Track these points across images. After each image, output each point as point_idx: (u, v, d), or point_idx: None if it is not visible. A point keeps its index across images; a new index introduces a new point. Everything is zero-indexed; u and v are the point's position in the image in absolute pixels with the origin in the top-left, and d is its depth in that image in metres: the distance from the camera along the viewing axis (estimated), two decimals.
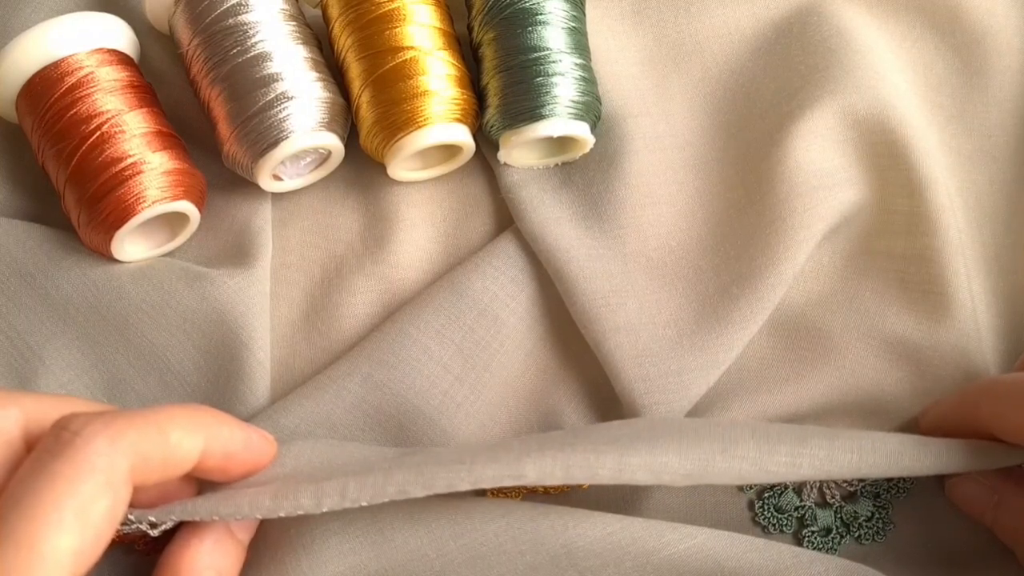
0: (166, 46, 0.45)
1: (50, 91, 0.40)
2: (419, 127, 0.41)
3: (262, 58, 0.41)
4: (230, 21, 0.41)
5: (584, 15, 0.44)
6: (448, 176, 0.45)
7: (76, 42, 0.41)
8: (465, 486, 0.31)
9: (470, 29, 0.44)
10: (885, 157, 0.43)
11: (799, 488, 0.40)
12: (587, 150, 0.44)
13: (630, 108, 0.46)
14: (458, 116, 0.42)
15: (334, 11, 0.43)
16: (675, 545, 0.34)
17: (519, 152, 0.44)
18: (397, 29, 0.42)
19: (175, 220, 0.42)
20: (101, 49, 0.41)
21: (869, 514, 0.39)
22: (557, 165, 0.45)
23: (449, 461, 0.32)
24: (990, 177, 0.45)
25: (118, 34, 0.42)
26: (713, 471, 0.32)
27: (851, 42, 0.45)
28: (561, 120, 0.42)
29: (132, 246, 0.42)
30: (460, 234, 0.44)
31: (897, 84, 0.45)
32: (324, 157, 0.44)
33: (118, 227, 0.40)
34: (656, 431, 0.34)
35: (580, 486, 0.39)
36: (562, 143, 0.44)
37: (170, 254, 0.43)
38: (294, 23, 0.43)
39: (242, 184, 0.44)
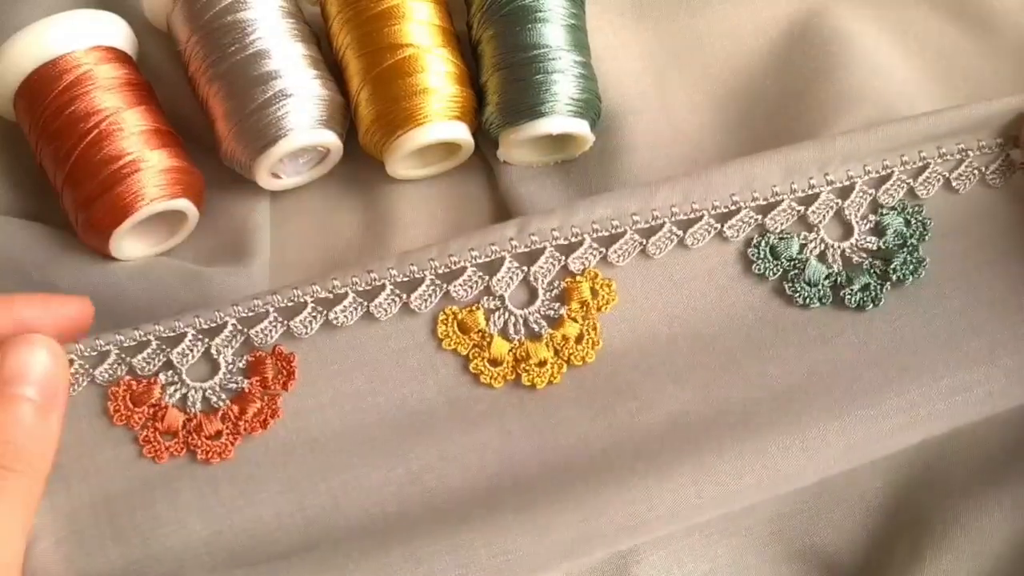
0: (164, 44, 0.45)
1: (48, 89, 0.40)
2: (418, 125, 0.41)
3: (260, 55, 0.41)
4: (228, 18, 0.41)
5: (584, 12, 0.44)
6: (447, 174, 0.45)
7: (74, 40, 0.40)
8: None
9: (469, 26, 0.44)
10: None
11: (822, 255, 0.38)
12: (587, 148, 0.44)
13: (630, 105, 0.45)
14: (457, 114, 0.42)
15: (333, 8, 0.43)
16: None
17: (518, 150, 0.44)
18: (396, 26, 0.42)
19: (173, 218, 0.42)
20: (99, 47, 0.41)
21: (902, 259, 0.38)
22: (557, 163, 0.45)
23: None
24: None
25: (116, 32, 0.42)
26: None
27: (853, 42, 0.45)
28: (560, 118, 0.42)
29: (130, 245, 0.42)
30: (459, 232, 0.44)
31: (906, 79, 0.45)
32: (323, 155, 0.43)
33: (116, 225, 0.40)
34: None
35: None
36: (562, 141, 0.44)
37: (168, 253, 0.43)
38: (292, 20, 0.42)
39: (240, 182, 0.43)
